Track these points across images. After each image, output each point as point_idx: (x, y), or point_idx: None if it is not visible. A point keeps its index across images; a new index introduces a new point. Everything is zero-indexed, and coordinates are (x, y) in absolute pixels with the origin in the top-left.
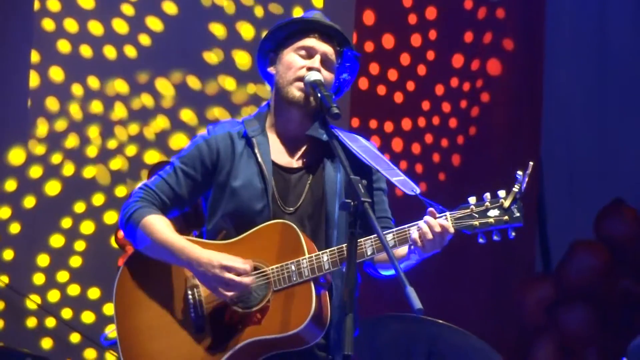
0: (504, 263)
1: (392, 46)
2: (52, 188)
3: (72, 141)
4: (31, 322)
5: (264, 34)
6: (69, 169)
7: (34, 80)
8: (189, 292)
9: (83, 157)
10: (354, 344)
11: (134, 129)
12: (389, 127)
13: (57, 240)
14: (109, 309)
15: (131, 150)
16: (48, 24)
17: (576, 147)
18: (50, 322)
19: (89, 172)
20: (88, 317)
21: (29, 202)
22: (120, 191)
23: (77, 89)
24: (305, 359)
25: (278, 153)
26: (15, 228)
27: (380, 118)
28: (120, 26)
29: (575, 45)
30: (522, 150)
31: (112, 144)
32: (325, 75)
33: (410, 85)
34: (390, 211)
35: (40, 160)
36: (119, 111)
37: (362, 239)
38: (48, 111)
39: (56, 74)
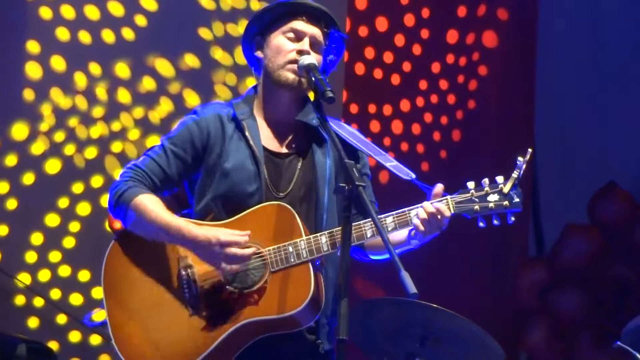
0: (498, 247)
1: (386, 28)
2: (52, 166)
3: (74, 121)
4: (19, 300)
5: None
6: (70, 149)
7: (33, 68)
8: (183, 272)
9: (86, 137)
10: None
11: (138, 112)
12: (387, 110)
13: (52, 220)
14: (97, 292)
15: (134, 134)
16: (45, 12)
17: (570, 130)
18: (39, 301)
19: (90, 152)
20: (76, 299)
21: (28, 178)
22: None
23: (79, 76)
24: (296, 341)
25: (267, 137)
26: (12, 204)
27: (379, 102)
28: (116, 9)
29: (569, 31)
30: (516, 130)
31: (115, 127)
32: (315, 58)
33: (407, 66)
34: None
35: (42, 137)
36: (123, 95)
37: (361, 222)
38: (53, 92)
39: (57, 62)
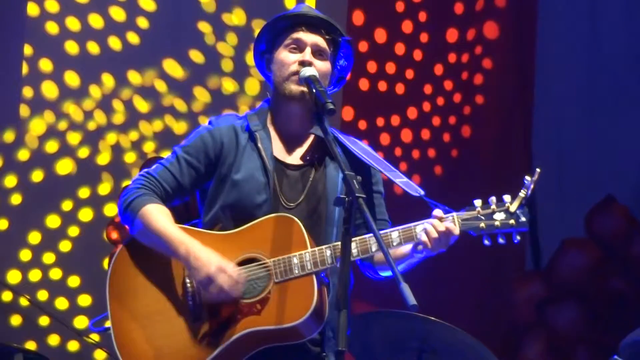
0: (495, 260)
1: (385, 40)
2: (64, 167)
3: (92, 124)
4: (6, 296)
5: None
6: (84, 152)
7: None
8: (187, 280)
9: (102, 142)
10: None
11: (157, 125)
12: (395, 120)
13: (53, 221)
14: (83, 299)
15: (149, 146)
16: (51, 27)
17: (567, 143)
18: (24, 301)
19: (103, 158)
20: (61, 303)
21: (37, 176)
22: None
23: (107, 78)
24: (299, 353)
25: (279, 149)
26: (16, 199)
27: (386, 113)
28: (118, 14)
29: (567, 47)
30: (512, 153)
31: (133, 136)
32: (320, 66)
33: (410, 74)
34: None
35: (58, 136)
36: (141, 105)
37: (366, 236)
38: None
39: (71, 78)
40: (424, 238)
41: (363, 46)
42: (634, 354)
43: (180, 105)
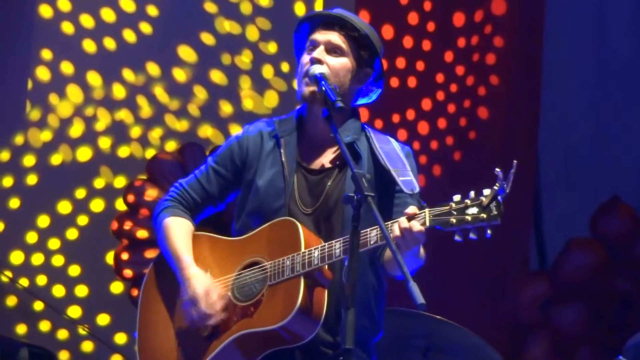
0: (500, 260)
1: (393, 35)
2: (84, 154)
3: (119, 115)
4: (4, 277)
5: None
6: (105, 142)
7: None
8: None
9: (125, 134)
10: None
11: (182, 123)
12: (410, 114)
13: (64, 207)
14: (80, 290)
15: (171, 145)
16: (67, 27)
17: (573, 143)
18: (24, 282)
19: (123, 151)
20: (58, 290)
21: (56, 159)
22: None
23: (127, 74)
24: (310, 355)
25: (304, 153)
26: (32, 179)
27: (401, 109)
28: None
29: (574, 43)
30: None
31: (156, 133)
32: (333, 63)
33: (420, 65)
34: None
35: (82, 121)
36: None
37: (367, 229)
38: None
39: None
40: (389, 237)
41: (376, 44)
42: (638, 355)
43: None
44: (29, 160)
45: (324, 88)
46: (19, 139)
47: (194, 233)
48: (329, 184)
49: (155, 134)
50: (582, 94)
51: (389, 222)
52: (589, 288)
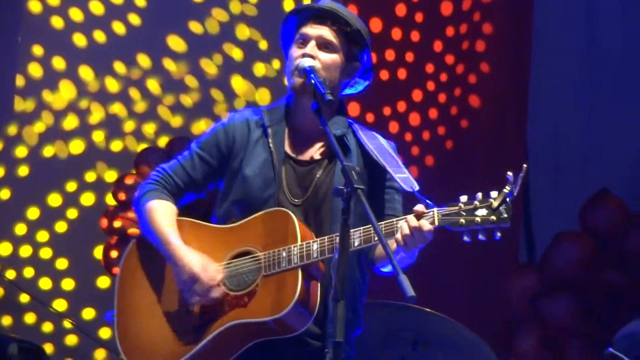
0: (489, 253)
1: (381, 28)
2: (76, 147)
3: (113, 108)
4: None
5: None
6: (98, 136)
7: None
8: None
9: (118, 129)
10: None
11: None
12: (402, 106)
13: (54, 199)
14: (67, 283)
15: (163, 141)
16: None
17: (562, 136)
18: (11, 274)
19: (116, 145)
20: (45, 283)
21: (49, 151)
22: (130, 178)
23: (118, 66)
24: (297, 347)
25: (292, 144)
26: (23, 171)
27: (392, 101)
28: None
29: (563, 37)
30: (508, 141)
31: (149, 129)
32: (324, 58)
33: (409, 56)
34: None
35: (76, 114)
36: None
37: (352, 230)
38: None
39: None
40: (397, 234)
41: (367, 39)
42: (628, 346)
43: (191, 81)
44: (20, 152)
45: (313, 81)
46: (11, 130)
47: (177, 218)
48: (317, 175)
49: (149, 128)
50: (571, 86)
51: (400, 218)
52: (579, 281)
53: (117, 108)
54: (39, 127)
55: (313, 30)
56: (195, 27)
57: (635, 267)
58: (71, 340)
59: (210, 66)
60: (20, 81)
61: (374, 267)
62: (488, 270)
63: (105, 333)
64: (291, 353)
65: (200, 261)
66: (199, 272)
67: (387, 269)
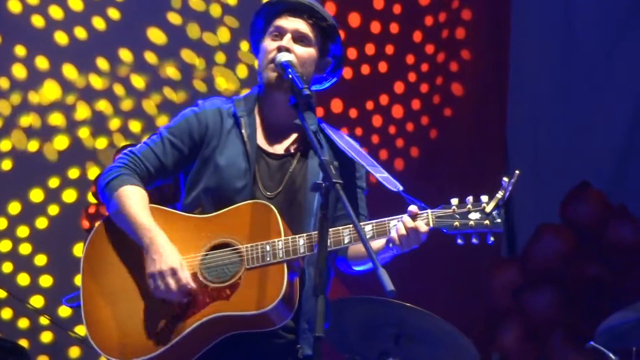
0: (470, 247)
1: (360, 22)
2: (61, 142)
3: (100, 105)
4: None
5: None
6: (84, 132)
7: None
8: None
9: (100, 126)
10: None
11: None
12: (384, 99)
13: (36, 195)
14: (45, 280)
15: (135, 126)
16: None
17: (542, 129)
18: None
19: (100, 142)
20: (23, 279)
21: (33, 145)
22: None
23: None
24: (271, 340)
25: (263, 138)
26: (6, 165)
27: (374, 95)
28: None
29: (541, 34)
30: (487, 135)
31: (135, 127)
32: (300, 52)
33: (389, 49)
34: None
35: (62, 110)
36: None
37: (340, 227)
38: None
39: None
40: (394, 234)
41: (340, 35)
42: (609, 339)
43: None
44: (4, 145)
45: (290, 76)
46: None
47: (156, 207)
48: (290, 169)
49: (134, 126)
50: (550, 81)
51: (392, 218)
52: (560, 274)
53: (102, 105)
54: (25, 120)
55: (289, 22)
56: (174, 18)
57: (616, 258)
58: (46, 337)
59: (194, 59)
60: (4, 82)
61: (347, 264)
62: (470, 265)
63: (81, 330)
64: (262, 346)
65: (175, 260)
66: (167, 271)
67: (360, 267)
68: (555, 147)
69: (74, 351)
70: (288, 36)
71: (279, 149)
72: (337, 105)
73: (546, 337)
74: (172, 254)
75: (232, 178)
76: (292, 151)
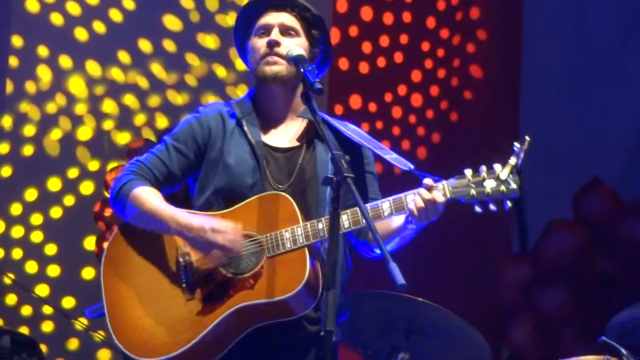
0: (481, 243)
1: (372, 15)
2: (84, 133)
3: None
4: None
5: None
6: (108, 124)
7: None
8: (180, 259)
9: (120, 120)
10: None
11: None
12: (402, 89)
13: (54, 183)
14: (52, 269)
15: (162, 121)
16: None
17: (554, 125)
18: None
19: (122, 138)
20: (31, 266)
21: (56, 134)
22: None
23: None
24: (295, 331)
25: (267, 134)
26: (28, 150)
27: (392, 86)
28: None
29: (554, 24)
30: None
31: (162, 122)
32: (290, 44)
33: (404, 39)
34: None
35: (86, 102)
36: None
37: (349, 210)
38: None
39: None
40: (412, 206)
41: (354, 30)
42: (621, 335)
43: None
44: (28, 130)
45: (302, 70)
46: (23, 107)
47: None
48: (299, 161)
49: (161, 122)
50: (562, 77)
51: (409, 193)
52: (571, 270)
53: (129, 100)
54: (51, 107)
55: (273, 18)
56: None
57: (628, 255)
58: (47, 326)
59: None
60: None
61: (369, 247)
62: (481, 260)
63: (84, 322)
64: (288, 338)
65: (209, 222)
66: (211, 234)
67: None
68: (567, 144)
69: (73, 343)
70: (275, 30)
71: (284, 142)
72: (355, 101)
73: (557, 333)
74: (204, 221)
75: (243, 176)
76: (298, 143)
